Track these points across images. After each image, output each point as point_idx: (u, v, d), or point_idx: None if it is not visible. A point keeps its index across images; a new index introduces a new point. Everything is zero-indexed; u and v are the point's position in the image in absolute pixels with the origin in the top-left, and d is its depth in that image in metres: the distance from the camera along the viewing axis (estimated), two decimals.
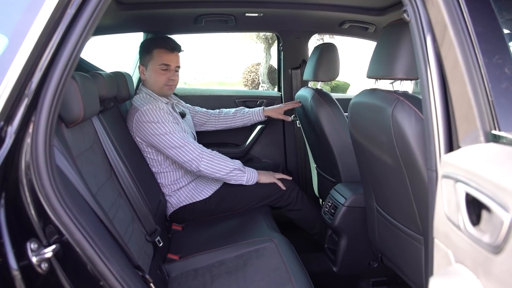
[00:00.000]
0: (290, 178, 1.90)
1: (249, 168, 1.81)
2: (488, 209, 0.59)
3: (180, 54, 1.90)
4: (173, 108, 1.92)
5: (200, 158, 1.66)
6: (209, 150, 1.71)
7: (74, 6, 0.75)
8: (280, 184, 1.84)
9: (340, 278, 1.74)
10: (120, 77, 1.77)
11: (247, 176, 1.77)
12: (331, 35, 8.49)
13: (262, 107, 2.20)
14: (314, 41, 8.63)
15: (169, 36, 1.85)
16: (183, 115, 1.99)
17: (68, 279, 0.77)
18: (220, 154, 1.73)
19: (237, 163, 1.75)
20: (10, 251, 0.67)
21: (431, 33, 0.81)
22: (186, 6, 2.02)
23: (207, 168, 1.67)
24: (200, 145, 1.70)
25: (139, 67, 1.87)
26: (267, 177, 1.83)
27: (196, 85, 13.10)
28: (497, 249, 0.55)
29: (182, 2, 1.99)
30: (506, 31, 0.80)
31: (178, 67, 1.84)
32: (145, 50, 1.82)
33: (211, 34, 2.84)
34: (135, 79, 2.38)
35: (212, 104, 2.59)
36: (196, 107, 2.22)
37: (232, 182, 1.76)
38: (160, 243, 1.48)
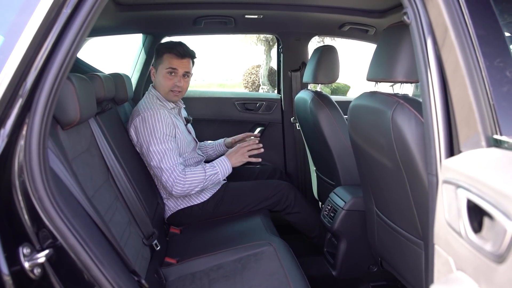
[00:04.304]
0: (260, 145, 1.81)
1: (219, 160, 1.76)
2: (490, 216, 0.57)
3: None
4: (179, 113, 1.90)
5: (172, 185, 1.63)
6: (183, 172, 1.64)
7: (70, 5, 0.74)
8: (253, 159, 1.78)
9: (339, 282, 1.73)
10: (118, 79, 1.76)
11: (221, 172, 1.73)
12: (331, 38, 8.50)
13: (223, 139, 2.16)
14: (315, 43, 8.64)
15: (182, 42, 1.82)
16: (188, 120, 1.97)
17: (62, 284, 0.75)
18: (191, 171, 1.67)
19: (206, 168, 1.71)
20: (1, 255, 0.65)
21: (432, 36, 0.80)
22: (186, 8, 2.02)
23: (179, 193, 1.65)
24: (179, 170, 1.64)
25: (151, 69, 1.86)
26: (238, 160, 1.77)
27: (197, 86, 13.11)
28: (500, 258, 0.54)
29: (181, 4, 1.99)
30: (507, 34, 0.79)
31: (188, 72, 1.80)
32: (157, 54, 1.81)
33: (211, 35, 2.83)
34: (133, 81, 2.37)
35: (212, 106, 2.58)
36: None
37: (211, 185, 1.76)
38: (158, 247, 1.46)
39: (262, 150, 1.83)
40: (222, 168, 1.74)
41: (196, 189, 1.68)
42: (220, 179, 1.76)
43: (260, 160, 1.81)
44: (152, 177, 1.78)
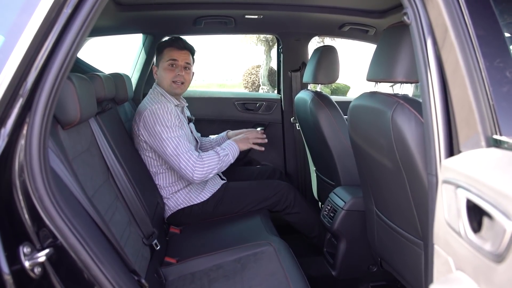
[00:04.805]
0: (264, 136, 1.91)
1: (226, 143, 1.80)
2: (489, 216, 0.57)
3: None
4: (182, 111, 1.91)
5: (193, 168, 1.64)
6: (200, 157, 1.67)
7: (70, 5, 0.74)
8: (256, 147, 1.86)
9: (339, 282, 1.73)
10: (118, 79, 1.76)
11: (231, 154, 1.76)
12: (331, 38, 8.50)
13: (225, 132, 2.17)
14: (315, 43, 8.64)
15: (180, 37, 1.86)
16: (190, 120, 1.98)
17: (62, 283, 0.75)
18: (206, 155, 1.69)
19: (218, 150, 1.73)
20: (2, 255, 0.65)
21: (432, 36, 0.80)
22: (186, 8, 2.02)
23: (200, 177, 1.66)
24: (196, 154, 1.67)
25: (152, 68, 1.88)
26: (244, 144, 1.83)
27: (196, 86, 13.11)
28: (499, 258, 0.54)
29: (182, 4, 1.99)
30: (507, 34, 0.79)
31: (188, 63, 1.83)
32: (158, 51, 1.84)
33: (211, 36, 2.83)
34: (134, 81, 2.37)
35: (212, 106, 2.58)
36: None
37: (225, 168, 1.77)
38: (158, 246, 1.46)
39: (266, 140, 1.92)
40: (231, 150, 1.77)
41: (214, 171, 1.69)
42: (231, 161, 1.77)
43: (263, 149, 1.89)
44: (153, 176, 1.78)
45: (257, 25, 2.40)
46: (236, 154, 1.79)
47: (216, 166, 1.69)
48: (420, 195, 1.01)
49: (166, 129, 1.65)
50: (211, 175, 1.70)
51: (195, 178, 1.65)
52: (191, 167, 1.64)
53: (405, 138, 1.00)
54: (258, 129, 2.57)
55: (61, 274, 0.76)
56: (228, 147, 1.77)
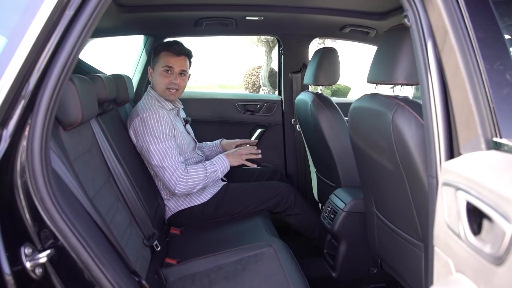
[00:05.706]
0: (258, 151, 1.88)
1: (218, 158, 1.79)
2: (489, 218, 0.58)
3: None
4: (177, 114, 1.91)
5: (175, 184, 1.64)
6: (185, 170, 1.65)
7: (73, 7, 0.74)
8: (249, 164, 1.83)
9: (339, 283, 1.73)
10: (119, 80, 1.76)
11: (220, 170, 1.76)
12: (332, 39, 8.52)
13: (220, 140, 2.16)
14: (315, 45, 8.65)
15: (178, 41, 1.83)
16: (186, 121, 1.98)
17: (63, 284, 0.76)
18: (193, 169, 1.68)
19: (207, 165, 1.73)
20: (3, 255, 0.66)
21: (432, 38, 0.80)
22: (187, 9, 2.03)
23: (182, 191, 1.66)
24: (182, 168, 1.65)
25: (148, 69, 1.87)
26: (235, 160, 1.82)
27: (197, 87, 13.12)
28: (499, 260, 0.54)
29: (183, 5, 2.00)
30: (507, 36, 0.79)
31: (184, 71, 1.81)
32: (155, 53, 1.83)
33: (212, 37, 2.84)
34: (134, 82, 2.38)
35: (212, 107, 2.58)
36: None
37: (211, 183, 1.77)
38: (158, 247, 1.47)
39: (260, 156, 1.89)
40: (221, 165, 1.77)
41: (198, 187, 1.69)
42: (220, 177, 1.77)
43: (255, 166, 1.88)
44: (153, 177, 1.78)
45: (258, 27, 2.41)
46: (226, 170, 1.79)
47: (201, 181, 1.68)
48: (420, 197, 1.01)
49: (154, 140, 1.64)
50: (195, 190, 1.70)
51: (176, 192, 1.66)
52: (174, 180, 1.63)
53: (405, 140, 1.00)
54: (258, 131, 2.57)
55: (62, 275, 0.76)
56: (219, 162, 1.77)
